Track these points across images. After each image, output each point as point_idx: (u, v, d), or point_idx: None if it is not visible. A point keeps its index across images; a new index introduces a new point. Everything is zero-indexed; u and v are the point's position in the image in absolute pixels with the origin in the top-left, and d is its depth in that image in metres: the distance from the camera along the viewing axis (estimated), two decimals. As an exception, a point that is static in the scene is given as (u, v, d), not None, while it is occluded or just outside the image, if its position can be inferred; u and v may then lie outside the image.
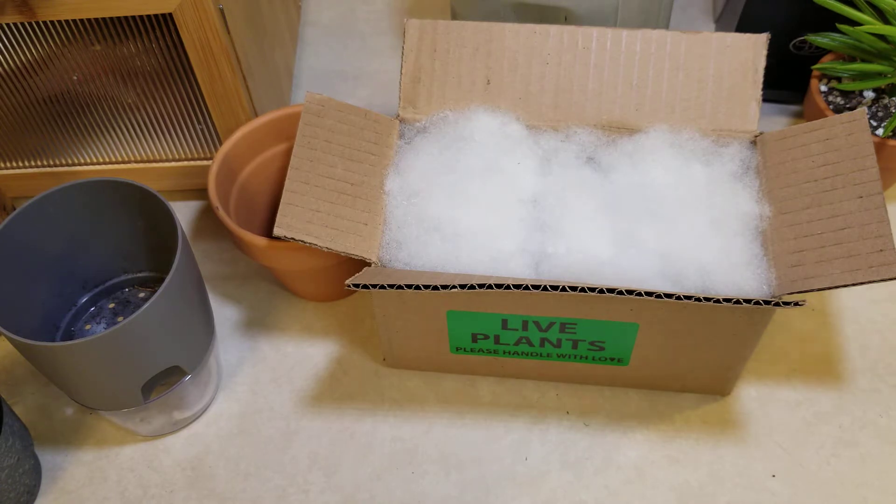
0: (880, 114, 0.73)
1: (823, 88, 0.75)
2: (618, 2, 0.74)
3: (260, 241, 0.65)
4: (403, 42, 0.68)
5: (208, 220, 0.82)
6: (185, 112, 0.74)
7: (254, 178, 0.74)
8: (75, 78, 0.70)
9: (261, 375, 0.71)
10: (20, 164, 0.79)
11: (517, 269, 0.61)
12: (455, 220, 0.62)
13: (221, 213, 0.66)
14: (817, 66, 0.75)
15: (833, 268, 0.56)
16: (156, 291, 0.56)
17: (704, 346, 0.62)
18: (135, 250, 0.70)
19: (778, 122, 0.85)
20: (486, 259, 0.61)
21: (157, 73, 0.70)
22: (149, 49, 0.68)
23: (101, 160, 0.79)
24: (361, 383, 0.70)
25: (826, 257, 0.57)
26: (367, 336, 0.73)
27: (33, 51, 0.68)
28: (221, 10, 0.65)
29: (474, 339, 0.64)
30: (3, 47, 0.67)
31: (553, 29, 0.68)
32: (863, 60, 0.72)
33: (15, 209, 0.66)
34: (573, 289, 0.54)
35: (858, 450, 0.65)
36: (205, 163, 0.78)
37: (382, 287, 0.56)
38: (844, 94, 0.74)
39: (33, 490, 0.65)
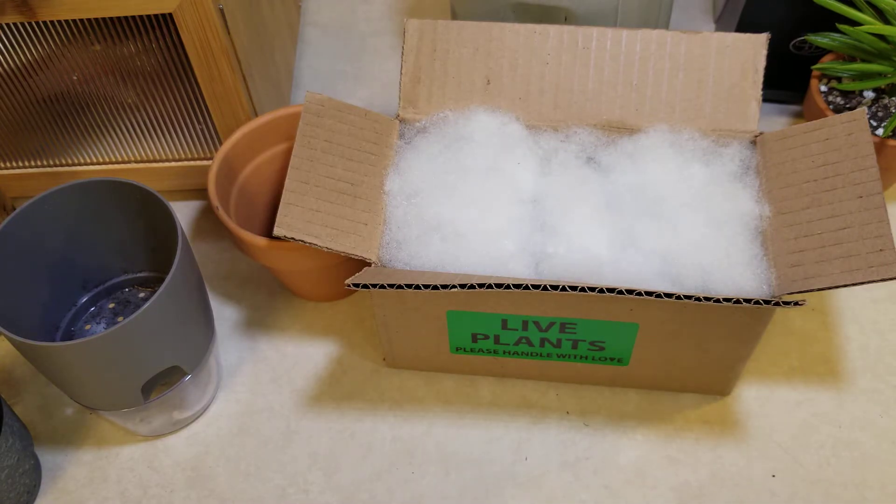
0: (880, 114, 0.73)
1: (823, 88, 0.75)
2: (618, 2, 0.74)
3: (260, 241, 0.65)
4: (403, 42, 0.68)
5: (208, 220, 0.82)
6: (185, 112, 0.74)
7: (254, 178, 0.74)
8: (75, 78, 0.70)
9: (261, 375, 0.71)
10: (20, 164, 0.79)
11: (517, 269, 0.61)
12: (455, 220, 0.62)
13: (221, 213, 0.66)
14: (817, 66, 0.75)
15: (833, 268, 0.56)
16: (156, 291, 0.56)
17: (704, 346, 0.62)
18: (135, 250, 0.69)
19: (778, 122, 0.85)
20: (486, 259, 0.61)
21: (157, 73, 0.70)
22: (149, 49, 0.68)
23: (101, 160, 0.79)
24: (361, 383, 0.70)
25: (826, 257, 0.57)
26: (367, 336, 0.73)
27: (33, 51, 0.68)
28: (221, 10, 0.65)
29: (474, 339, 0.64)
30: (3, 47, 0.67)
31: (553, 29, 0.68)
32: (863, 60, 0.72)
33: (15, 209, 0.65)
34: (573, 289, 0.54)
35: (858, 450, 0.65)
36: (205, 163, 0.78)
37: (382, 287, 0.56)
38: (844, 94, 0.74)
39: (33, 490, 0.65)
